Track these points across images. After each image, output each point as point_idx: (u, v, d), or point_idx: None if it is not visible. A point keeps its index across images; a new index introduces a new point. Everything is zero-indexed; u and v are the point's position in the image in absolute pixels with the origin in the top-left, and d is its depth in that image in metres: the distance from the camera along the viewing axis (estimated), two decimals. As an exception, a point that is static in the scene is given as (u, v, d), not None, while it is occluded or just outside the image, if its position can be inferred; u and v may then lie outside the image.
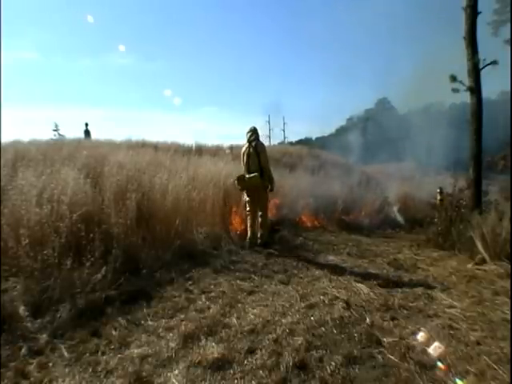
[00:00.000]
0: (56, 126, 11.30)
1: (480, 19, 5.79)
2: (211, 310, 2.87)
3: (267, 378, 2.00)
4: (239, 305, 3.05)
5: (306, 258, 4.77)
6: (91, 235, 3.19)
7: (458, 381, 1.99)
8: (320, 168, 13.36)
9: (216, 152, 11.15)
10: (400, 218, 9.18)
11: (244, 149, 5.13)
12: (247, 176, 4.98)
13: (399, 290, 3.60)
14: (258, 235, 5.10)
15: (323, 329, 2.62)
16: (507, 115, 5.54)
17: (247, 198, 5.09)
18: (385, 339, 2.46)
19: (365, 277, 4.03)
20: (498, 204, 5.37)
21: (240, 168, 5.37)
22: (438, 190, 8.51)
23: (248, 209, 5.13)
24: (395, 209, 9.53)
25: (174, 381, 1.96)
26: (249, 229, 5.09)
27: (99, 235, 3.21)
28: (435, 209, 7.42)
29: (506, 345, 2.34)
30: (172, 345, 2.31)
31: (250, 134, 5.08)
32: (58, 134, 11.27)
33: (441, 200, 7.29)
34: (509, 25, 5.85)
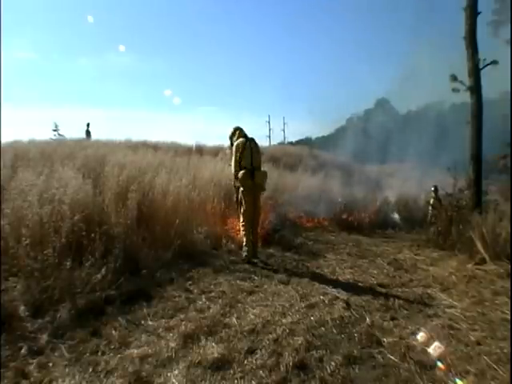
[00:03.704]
0: (56, 126, 11.22)
1: (480, 19, 5.79)
2: (211, 310, 2.87)
3: (267, 378, 1.99)
4: (239, 305, 3.04)
5: (306, 258, 4.77)
6: (91, 235, 3.19)
7: (457, 381, 1.99)
8: (320, 168, 13.39)
9: (216, 152, 11.15)
10: (398, 219, 9.19)
11: (245, 143, 4.43)
12: (261, 171, 4.44)
13: (399, 290, 3.61)
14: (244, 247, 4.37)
15: (323, 329, 2.62)
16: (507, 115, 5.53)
17: (244, 199, 4.33)
18: (385, 339, 2.47)
19: (365, 277, 4.04)
20: (497, 204, 5.37)
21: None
22: (433, 189, 8.51)
23: (243, 211, 4.37)
24: (394, 210, 9.54)
25: (174, 381, 1.96)
26: (245, 238, 4.34)
27: (99, 235, 3.21)
28: (432, 206, 7.43)
29: (506, 345, 2.34)
30: (172, 345, 2.30)
31: (239, 130, 4.63)
32: (58, 134, 11.19)
33: (438, 199, 7.29)
34: (509, 25, 5.83)
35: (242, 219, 4.41)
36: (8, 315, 2.38)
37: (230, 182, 5.20)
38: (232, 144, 4.67)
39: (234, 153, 4.46)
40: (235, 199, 4.62)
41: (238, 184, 4.41)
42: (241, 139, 4.50)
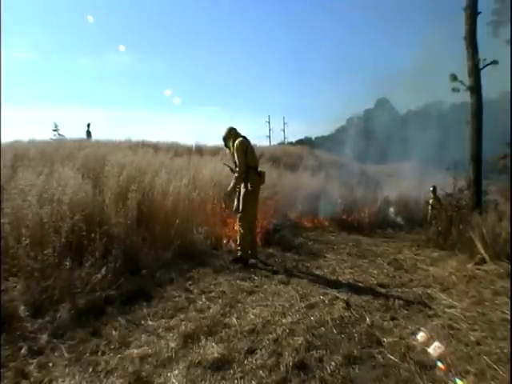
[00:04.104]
0: (56, 126, 11.20)
1: (480, 19, 5.80)
2: (211, 310, 2.87)
3: (267, 378, 1.99)
4: (239, 305, 3.04)
5: (306, 258, 4.77)
6: (91, 235, 3.18)
7: (457, 381, 1.99)
8: (320, 168, 13.40)
9: (216, 152, 11.14)
10: (398, 219, 9.22)
11: (245, 143, 4.34)
12: (262, 171, 4.47)
13: (399, 290, 3.61)
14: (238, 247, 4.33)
15: (323, 329, 2.62)
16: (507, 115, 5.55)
17: (250, 199, 4.22)
18: (385, 339, 2.46)
19: (365, 277, 4.04)
20: (497, 204, 5.38)
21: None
22: (431, 189, 8.54)
23: (246, 210, 4.22)
24: (392, 210, 9.59)
25: (174, 381, 1.96)
26: (242, 238, 4.23)
27: (99, 235, 3.20)
28: (432, 206, 7.45)
29: (506, 345, 2.34)
30: (172, 345, 2.30)
31: (234, 130, 4.51)
32: (58, 134, 11.18)
33: (437, 199, 7.31)
34: (509, 25, 5.84)
35: (241, 219, 4.26)
36: (8, 315, 2.38)
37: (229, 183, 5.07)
38: (226, 145, 4.56)
39: (239, 152, 4.26)
40: (237, 199, 4.38)
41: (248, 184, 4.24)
42: (241, 139, 4.38)
